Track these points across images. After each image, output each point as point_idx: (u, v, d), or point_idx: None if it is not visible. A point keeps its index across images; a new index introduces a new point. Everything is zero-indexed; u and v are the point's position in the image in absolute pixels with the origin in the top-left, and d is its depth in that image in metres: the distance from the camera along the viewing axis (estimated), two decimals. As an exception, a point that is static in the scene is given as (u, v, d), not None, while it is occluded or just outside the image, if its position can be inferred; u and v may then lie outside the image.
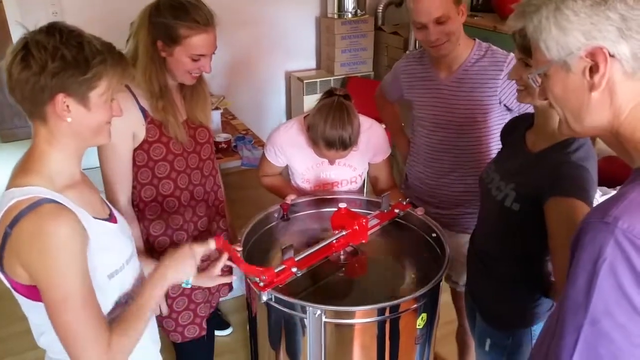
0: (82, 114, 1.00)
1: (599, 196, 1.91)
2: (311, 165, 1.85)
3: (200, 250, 1.23)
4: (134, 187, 1.61)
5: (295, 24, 4.09)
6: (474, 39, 1.75)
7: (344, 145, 1.63)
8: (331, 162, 1.79)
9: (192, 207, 1.69)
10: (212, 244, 1.27)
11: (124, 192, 1.56)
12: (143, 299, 1.09)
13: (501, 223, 1.36)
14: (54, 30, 0.97)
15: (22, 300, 1.04)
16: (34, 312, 1.04)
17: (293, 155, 1.85)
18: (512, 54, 1.65)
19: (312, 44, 4.24)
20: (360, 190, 1.96)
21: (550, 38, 0.74)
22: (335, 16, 3.98)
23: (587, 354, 0.69)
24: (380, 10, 4.17)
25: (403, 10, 4.19)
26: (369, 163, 1.89)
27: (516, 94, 1.34)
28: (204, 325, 1.79)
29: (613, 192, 1.88)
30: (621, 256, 0.64)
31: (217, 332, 2.37)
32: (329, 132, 1.60)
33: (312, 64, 4.27)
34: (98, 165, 1.56)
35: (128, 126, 1.50)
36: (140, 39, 1.49)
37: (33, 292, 0.99)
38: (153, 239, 1.66)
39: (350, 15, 3.98)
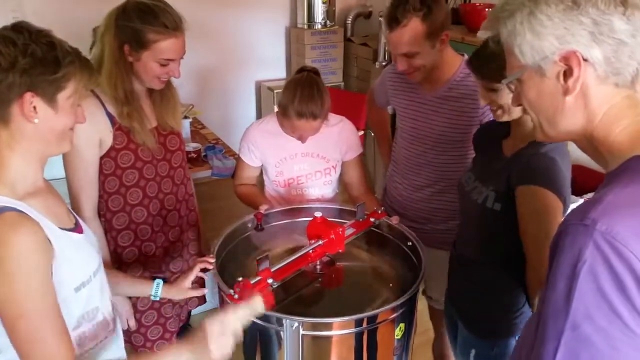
0: (49, 116, 0.95)
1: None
2: (284, 156, 1.84)
3: (241, 319, 1.04)
4: (100, 197, 1.55)
5: (266, 33, 4.08)
6: (463, 55, 1.71)
7: (314, 114, 1.66)
8: (303, 139, 1.78)
9: (162, 217, 1.64)
10: (259, 306, 1.08)
11: (89, 202, 1.50)
12: None
13: (483, 226, 1.36)
14: (22, 29, 0.93)
15: None
16: None
17: (266, 147, 1.85)
18: None
19: (282, 53, 4.24)
20: (334, 196, 1.94)
21: (524, 43, 0.74)
22: (305, 26, 3.99)
23: (567, 358, 0.68)
24: (350, 22, 4.20)
25: (372, 21, 4.24)
26: (342, 163, 1.90)
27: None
28: (174, 340, 1.73)
29: (581, 200, 1.93)
30: (601, 259, 0.64)
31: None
32: (299, 102, 1.64)
33: (283, 73, 4.26)
34: (64, 176, 1.50)
35: (95, 132, 1.45)
36: (106, 44, 1.44)
37: None
38: (121, 250, 1.60)
39: (319, 26, 4.00)
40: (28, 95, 0.92)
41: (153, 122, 1.58)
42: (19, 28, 0.93)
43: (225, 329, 1.00)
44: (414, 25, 1.53)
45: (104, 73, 1.45)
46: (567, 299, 0.67)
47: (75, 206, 1.48)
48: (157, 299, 1.39)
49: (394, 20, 1.54)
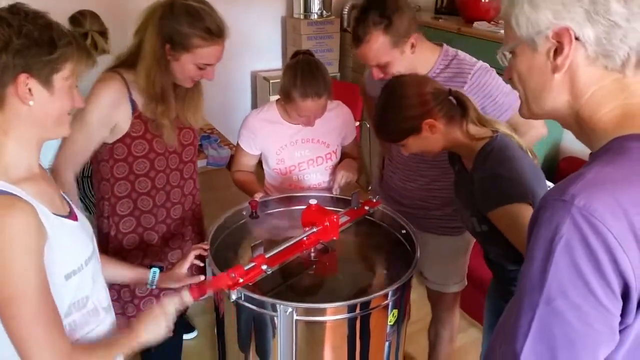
0: (44, 98, 0.94)
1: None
2: (285, 143, 1.85)
3: (172, 305, 1.19)
4: (107, 180, 1.55)
5: (262, 23, 4.06)
6: (441, 45, 1.69)
7: (318, 93, 1.67)
8: (310, 122, 1.78)
9: (166, 209, 1.64)
10: (187, 297, 1.23)
11: (71, 168, 1.49)
12: (115, 344, 1.09)
13: (488, 247, 1.43)
14: (18, 10, 0.92)
15: None
16: None
17: (266, 136, 1.85)
18: (479, 63, 1.62)
19: (278, 43, 4.22)
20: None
21: (522, 14, 0.74)
22: (302, 17, 3.97)
23: (540, 334, 0.68)
24: (346, 12, 4.18)
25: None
26: (341, 148, 1.93)
27: (480, 106, 1.40)
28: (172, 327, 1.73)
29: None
30: (577, 234, 0.64)
31: (183, 336, 2.31)
32: (301, 83, 1.65)
33: (279, 63, 4.25)
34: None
35: (112, 115, 1.44)
36: (147, 39, 1.42)
37: None
38: (122, 236, 1.61)
39: (316, 16, 3.98)
40: (23, 77, 0.91)
41: (172, 115, 1.57)
42: (16, 9, 0.93)
43: (157, 314, 1.16)
44: (377, 39, 1.54)
45: (141, 67, 1.44)
46: (543, 273, 0.67)
47: (55, 164, 1.46)
48: (154, 286, 1.39)
49: (356, 38, 1.57)
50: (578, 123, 0.77)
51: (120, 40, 2.77)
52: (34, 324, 0.91)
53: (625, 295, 0.65)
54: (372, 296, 1.32)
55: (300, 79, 1.67)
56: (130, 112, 1.47)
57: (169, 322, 1.17)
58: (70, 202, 1.12)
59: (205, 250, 1.43)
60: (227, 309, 1.44)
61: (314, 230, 1.47)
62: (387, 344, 1.41)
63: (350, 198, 1.72)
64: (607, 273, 0.63)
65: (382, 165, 2.02)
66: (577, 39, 0.70)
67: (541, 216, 0.69)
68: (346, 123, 1.93)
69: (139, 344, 1.12)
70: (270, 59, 4.19)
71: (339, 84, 3.87)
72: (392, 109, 1.40)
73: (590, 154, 0.76)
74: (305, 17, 3.97)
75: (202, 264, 1.47)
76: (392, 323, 1.39)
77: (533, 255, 0.69)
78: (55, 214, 1.01)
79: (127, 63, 1.48)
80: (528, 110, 0.82)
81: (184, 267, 1.40)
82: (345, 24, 4.17)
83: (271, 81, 3.91)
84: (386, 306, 1.35)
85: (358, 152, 2.04)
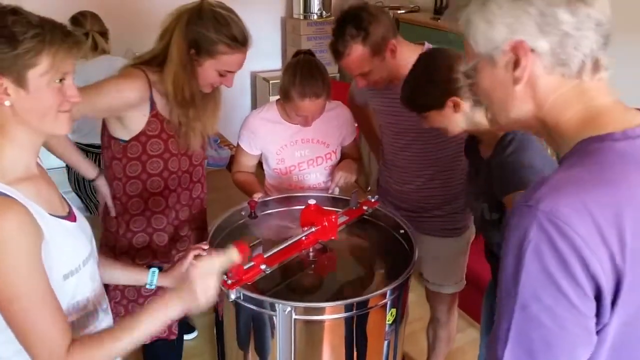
0: (22, 97, 0.91)
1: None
2: (285, 143, 1.86)
3: (220, 262, 1.07)
4: (119, 180, 1.55)
5: (261, 24, 4.06)
6: (423, 44, 1.70)
7: (316, 93, 1.68)
8: (308, 122, 1.78)
9: (175, 211, 1.64)
10: (234, 255, 1.11)
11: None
12: (137, 321, 1.00)
13: (493, 237, 1.43)
14: None
15: None
16: None
17: (267, 136, 1.86)
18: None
19: (278, 44, 4.23)
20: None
21: (478, 32, 0.77)
22: (301, 17, 3.98)
23: (519, 339, 0.69)
24: (346, 13, 4.19)
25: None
26: (341, 148, 1.93)
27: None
28: (175, 329, 1.73)
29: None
30: (545, 238, 0.65)
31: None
32: (300, 83, 1.67)
33: (278, 64, 4.26)
34: (60, 165, 1.51)
35: (127, 111, 1.44)
36: (174, 43, 1.43)
37: None
38: (132, 235, 1.61)
39: (315, 17, 3.99)
40: None
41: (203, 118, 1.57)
42: None
43: (207, 274, 1.04)
44: (356, 52, 1.58)
45: (168, 73, 1.44)
46: (515, 280, 0.68)
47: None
48: (153, 287, 1.39)
49: (336, 52, 1.61)
50: (546, 130, 0.78)
51: (120, 40, 2.81)
52: (34, 323, 0.91)
53: (598, 295, 0.66)
54: (370, 295, 1.33)
55: (300, 79, 1.68)
56: (148, 111, 1.47)
57: (217, 283, 1.04)
58: (70, 204, 1.12)
59: (204, 250, 1.43)
60: (226, 309, 1.44)
61: (313, 230, 1.48)
62: (385, 343, 1.42)
63: (349, 198, 1.72)
64: (577, 275, 0.64)
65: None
66: (532, 50, 0.72)
67: (510, 222, 0.70)
68: (346, 123, 1.93)
69: (172, 317, 1.02)
70: (270, 59, 4.20)
71: (338, 85, 3.88)
72: (420, 79, 1.40)
73: (560, 158, 0.78)
74: (305, 17, 3.98)
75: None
76: (390, 322, 1.39)
77: (506, 262, 0.70)
78: (52, 214, 1.00)
79: (150, 63, 1.48)
80: (496, 123, 0.84)
81: (183, 267, 1.40)
82: (344, 24, 4.18)
83: (271, 82, 3.91)
84: (384, 305, 1.35)
85: (358, 152, 2.04)
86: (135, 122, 1.47)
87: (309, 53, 1.80)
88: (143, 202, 1.58)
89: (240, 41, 1.44)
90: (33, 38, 0.89)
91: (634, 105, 0.78)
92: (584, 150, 0.71)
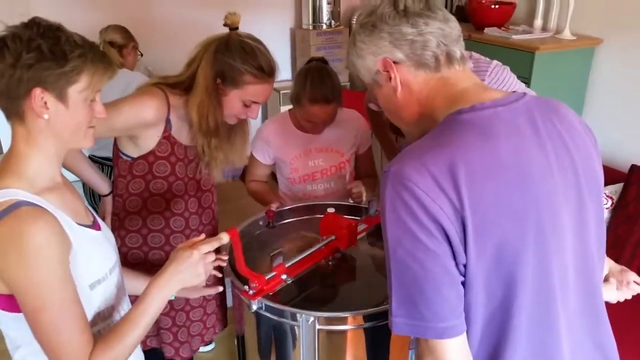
0: (60, 111, 0.95)
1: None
2: (299, 153, 1.85)
3: (206, 248, 1.09)
4: (119, 196, 1.54)
5: (270, 35, 4.04)
6: None
7: (326, 98, 1.69)
8: (318, 129, 1.77)
9: (185, 236, 1.61)
10: (225, 238, 1.15)
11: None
12: (141, 307, 1.01)
13: None
14: (32, 24, 0.93)
15: None
16: (10, 324, 0.98)
17: (280, 145, 1.85)
18: (494, 61, 1.66)
19: (287, 55, 4.25)
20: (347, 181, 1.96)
21: (359, 67, 0.96)
22: (310, 27, 3.99)
23: (398, 284, 0.81)
24: (355, 22, 4.20)
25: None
26: (355, 156, 1.92)
27: None
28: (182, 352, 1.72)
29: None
30: (395, 194, 0.78)
31: (200, 349, 2.30)
32: (311, 88, 1.68)
33: (288, 74, 4.27)
34: (77, 178, 1.51)
35: (141, 130, 1.42)
36: (202, 71, 1.42)
37: (10, 303, 0.93)
38: (126, 250, 1.59)
39: (325, 27, 4.00)
40: (37, 91, 0.91)
41: (226, 149, 1.55)
42: (31, 24, 0.93)
43: (200, 256, 1.08)
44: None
45: (193, 100, 1.43)
46: (385, 234, 0.81)
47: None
48: (173, 298, 1.38)
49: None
50: (433, 122, 0.90)
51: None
52: (61, 332, 0.91)
53: (448, 237, 0.78)
54: (393, 304, 1.30)
55: (310, 84, 1.69)
56: (161, 132, 1.46)
57: (207, 266, 1.08)
58: (94, 213, 1.12)
59: (223, 261, 1.42)
60: (248, 319, 1.43)
61: (332, 238, 1.46)
62: (410, 352, 1.39)
63: (366, 206, 1.71)
64: (422, 219, 0.77)
65: None
66: (395, 62, 0.90)
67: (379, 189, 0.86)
68: (361, 132, 1.93)
69: (170, 294, 1.05)
70: (279, 70, 4.20)
71: (349, 93, 3.87)
72: None
73: None
74: (314, 27, 3.99)
75: (220, 275, 1.47)
76: (414, 331, 1.37)
77: (381, 223, 0.82)
78: (78, 223, 1.01)
79: (174, 87, 1.47)
80: (404, 130, 1.01)
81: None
82: (353, 33, 4.19)
83: (281, 92, 3.92)
84: (408, 314, 1.33)
85: (372, 165, 2.01)
86: (147, 141, 1.46)
87: (322, 60, 1.80)
88: (141, 219, 1.56)
89: (266, 72, 1.43)
90: (79, 57, 0.94)
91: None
92: (440, 125, 0.86)
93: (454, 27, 0.91)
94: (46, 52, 0.91)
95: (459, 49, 0.91)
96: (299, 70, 1.78)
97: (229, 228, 1.21)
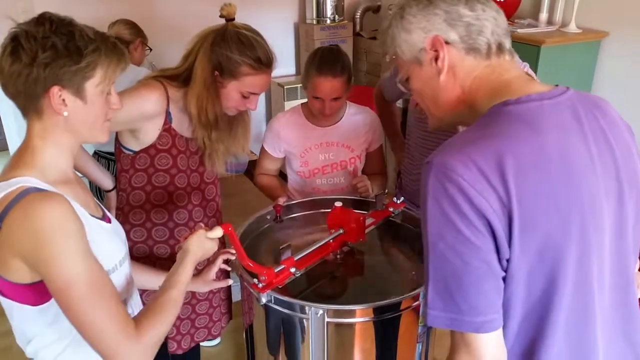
0: (79, 107, 0.95)
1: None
2: (310, 146, 1.85)
3: (203, 230, 1.20)
4: (123, 191, 1.55)
5: (274, 29, 4.08)
6: None
7: (334, 72, 1.70)
8: (324, 110, 1.77)
9: (189, 228, 1.60)
10: (219, 231, 1.22)
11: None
12: (176, 280, 1.07)
13: None
14: (44, 20, 0.93)
15: (5, 304, 0.97)
16: (19, 317, 0.98)
17: (291, 138, 1.86)
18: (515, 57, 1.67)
19: (291, 49, 4.24)
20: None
21: (401, 41, 0.91)
22: (314, 22, 3.99)
23: (436, 276, 0.80)
24: (358, 16, 4.19)
25: (381, 15, 4.23)
26: (366, 154, 1.92)
27: None
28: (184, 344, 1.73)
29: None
30: (439, 185, 0.77)
31: (206, 343, 2.31)
32: (320, 61, 1.72)
33: (292, 69, 4.27)
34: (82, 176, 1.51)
35: (141, 123, 1.42)
36: (199, 64, 1.42)
37: (24, 294, 0.93)
38: (131, 244, 1.59)
39: (329, 21, 4.00)
40: (55, 89, 0.92)
41: (226, 140, 1.55)
42: (42, 20, 0.93)
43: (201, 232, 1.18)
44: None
45: (192, 93, 1.43)
46: (426, 226, 0.80)
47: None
48: None
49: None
50: (472, 112, 0.88)
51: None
52: (94, 311, 0.89)
53: (493, 232, 0.76)
54: (402, 297, 1.31)
55: (319, 58, 1.74)
56: (161, 125, 1.46)
57: (211, 242, 1.19)
58: (104, 208, 1.13)
59: (232, 254, 1.42)
60: (257, 313, 1.43)
61: (341, 232, 1.47)
62: (418, 345, 1.40)
63: (373, 200, 1.71)
64: (466, 213, 0.75)
65: (398, 173, 2.01)
66: (447, 42, 0.87)
67: (420, 180, 0.83)
68: (373, 129, 1.92)
69: (194, 264, 1.14)
70: (283, 65, 4.21)
71: (353, 88, 3.87)
72: None
73: None
74: (318, 22, 3.98)
75: (229, 268, 1.47)
76: (423, 324, 1.37)
77: (421, 213, 0.81)
78: (91, 215, 1.02)
79: (172, 80, 1.47)
80: (434, 118, 0.96)
81: (212, 272, 1.40)
82: (358, 28, 4.18)
83: (285, 87, 3.92)
84: (417, 307, 1.34)
85: (383, 163, 2.01)
86: (147, 135, 1.46)
87: (335, 46, 1.84)
88: (145, 213, 1.56)
89: (264, 62, 1.43)
90: (94, 52, 0.94)
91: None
92: (485, 114, 0.84)
93: (504, 21, 0.89)
94: (61, 49, 0.91)
95: (508, 42, 0.89)
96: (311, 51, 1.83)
97: (223, 223, 1.27)
